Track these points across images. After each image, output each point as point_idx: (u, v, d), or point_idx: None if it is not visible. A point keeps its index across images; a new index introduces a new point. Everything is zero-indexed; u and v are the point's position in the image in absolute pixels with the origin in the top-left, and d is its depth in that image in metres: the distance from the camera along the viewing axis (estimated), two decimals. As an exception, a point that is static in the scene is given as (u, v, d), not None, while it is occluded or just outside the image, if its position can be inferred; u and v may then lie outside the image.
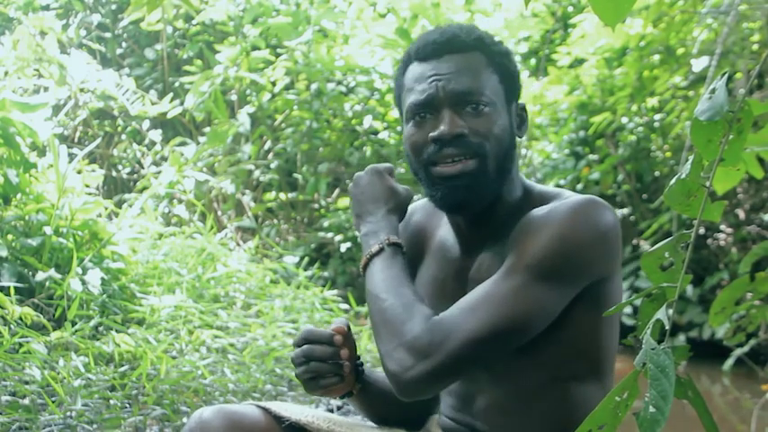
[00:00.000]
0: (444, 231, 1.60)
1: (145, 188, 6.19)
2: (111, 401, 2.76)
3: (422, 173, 1.49)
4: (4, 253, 3.33)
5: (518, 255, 1.39)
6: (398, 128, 7.23)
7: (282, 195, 7.11)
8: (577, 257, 1.38)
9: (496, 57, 1.50)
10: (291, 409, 1.49)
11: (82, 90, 6.56)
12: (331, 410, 3.33)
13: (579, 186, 6.32)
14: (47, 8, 7.94)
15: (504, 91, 1.50)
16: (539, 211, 1.44)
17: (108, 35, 8.19)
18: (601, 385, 1.50)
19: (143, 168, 7.29)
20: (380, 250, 1.47)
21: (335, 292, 5.09)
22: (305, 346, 1.46)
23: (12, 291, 3.15)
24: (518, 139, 1.54)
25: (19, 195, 3.74)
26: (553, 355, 1.44)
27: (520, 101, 1.55)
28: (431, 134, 1.45)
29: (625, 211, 6.35)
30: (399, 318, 1.39)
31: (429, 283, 1.59)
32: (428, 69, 1.48)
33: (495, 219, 1.51)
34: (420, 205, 1.68)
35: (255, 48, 6.96)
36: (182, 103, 6.85)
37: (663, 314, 0.99)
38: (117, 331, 3.29)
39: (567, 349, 1.45)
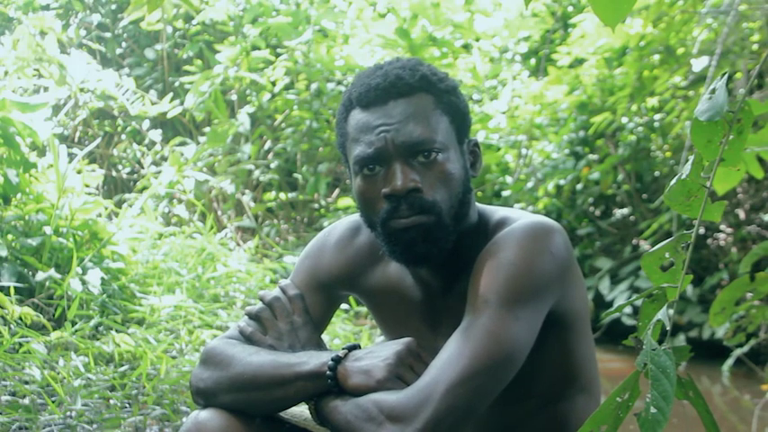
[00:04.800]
0: (396, 269, 1.53)
1: (145, 188, 6.19)
2: (111, 401, 2.76)
3: (379, 229, 1.41)
4: (4, 253, 3.33)
5: (478, 292, 1.35)
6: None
7: (282, 195, 7.11)
8: (534, 282, 1.35)
9: (444, 96, 1.42)
10: (289, 411, 1.48)
11: (82, 90, 6.56)
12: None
13: (579, 186, 6.32)
14: (47, 8, 7.94)
15: (455, 131, 1.43)
16: (490, 245, 1.40)
17: (108, 35, 8.19)
18: (588, 396, 1.49)
19: (143, 168, 7.29)
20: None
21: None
22: None
23: (12, 291, 3.15)
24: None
25: (19, 195, 3.74)
26: (536, 381, 1.43)
27: (471, 137, 1.49)
28: (383, 190, 1.38)
29: (625, 211, 6.35)
30: (368, 401, 1.31)
31: (397, 325, 1.54)
32: (374, 119, 1.39)
33: (456, 263, 1.46)
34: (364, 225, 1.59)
35: (255, 48, 6.96)
36: (182, 103, 6.85)
37: (663, 315, 0.99)
38: (117, 331, 3.29)
39: (549, 372, 1.44)
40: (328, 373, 1.35)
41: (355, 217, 1.60)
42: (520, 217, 1.44)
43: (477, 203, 1.51)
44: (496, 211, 1.49)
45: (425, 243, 1.38)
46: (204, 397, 1.47)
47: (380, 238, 1.42)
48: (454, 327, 1.38)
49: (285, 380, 1.38)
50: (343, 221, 1.62)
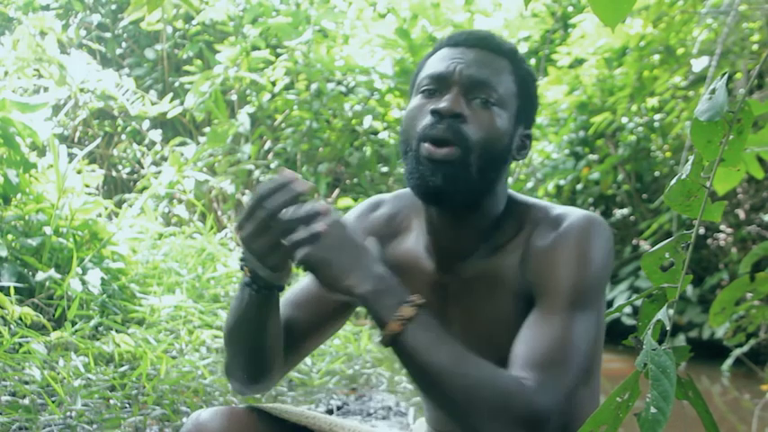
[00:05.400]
0: (412, 243, 1.54)
1: (145, 188, 6.19)
2: (111, 401, 2.76)
3: (412, 146, 1.43)
4: (4, 253, 3.33)
5: (555, 291, 1.38)
6: (398, 128, 7.23)
7: (282, 195, 7.10)
8: (602, 277, 1.41)
9: (522, 72, 1.49)
10: (290, 411, 1.48)
11: (82, 90, 6.56)
12: (330, 411, 3.33)
13: (579, 186, 6.32)
14: (47, 8, 7.94)
15: (517, 106, 1.47)
16: (557, 238, 1.43)
17: (108, 35, 8.19)
18: (587, 388, 1.50)
19: (143, 168, 7.29)
20: (416, 313, 1.27)
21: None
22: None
23: (12, 291, 3.15)
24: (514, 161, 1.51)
25: (19, 195, 3.74)
26: None
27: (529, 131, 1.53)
28: (432, 106, 1.42)
29: (625, 211, 6.35)
30: (498, 395, 1.26)
31: None
32: (454, 53, 1.47)
33: (476, 230, 1.48)
34: (387, 199, 1.62)
35: (255, 48, 6.96)
36: (182, 103, 6.85)
37: (663, 315, 0.99)
38: (117, 331, 3.29)
39: None
40: (246, 278, 1.36)
41: (378, 195, 1.64)
42: (567, 210, 1.47)
43: (511, 192, 1.54)
44: (527, 199, 1.53)
45: (446, 179, 1.40)
46: (229, 375, 1.49)
47: (408, 159, 1.45)
48: (465, 305, 1.42)
49: (238, 305, 1.40)
50: (366, 200, 1.66)
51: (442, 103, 1.41)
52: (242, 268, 1.35)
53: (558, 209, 1.48)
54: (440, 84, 1.44)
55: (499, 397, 1.25)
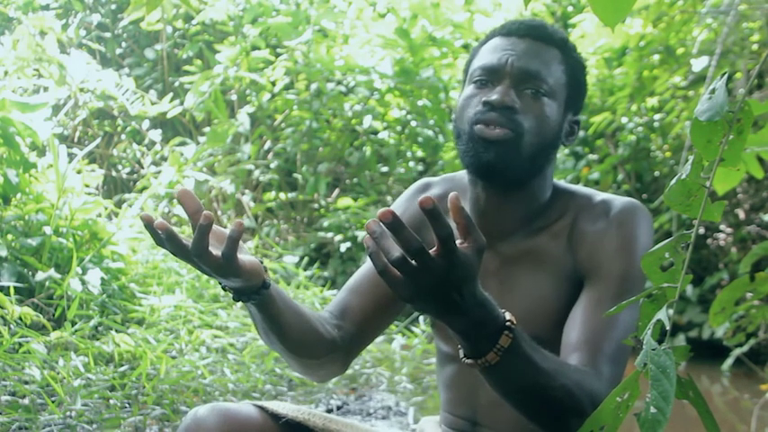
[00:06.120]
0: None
1: (145, 188, 6.19)
2: (111, 401, 2.76)
3: (465, 129, 1.49)
4: (4, 253, 3.33)
5: (607, 279, 1.44)
6: (398, 127, 7.23)
7: (282, 195, 7.11)
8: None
9: (572, 62, 1.54)
10: (288, 408, 1.48)
11: (82, 90, 6.56)
12: (330, 411, 3.33)
13: (579, 186, 6.32)
14: (47, 8, 7.94)
15: (566, 95, 1.53)
16: (599, 226, 1.49)
17: (108, 35, 8.19)
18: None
19: (143, 168, 7.29)
20: (512, 339, 1.19)
21: (335, 291, 5.08)
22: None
23: (12, 291, 3.15)
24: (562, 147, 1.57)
25: (19, 195, 3.74)
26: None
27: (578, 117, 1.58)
28: (484, 97, 1.47)
29: (625, 211, 6.34)
30: (587, 397, 1.27)
31: None
32: (506, 43, 1.52)
33: (521, 212, 1.53)
34: (435, 181, 1.68)
35: (255, 48, 6.96)
36: (182, 103, 6.85)
37: (663, 315, 0.99)
38: (117, 331, 3.29)
39: None
40: (233, 296, 1.34)
41: (427, 178, 1.71)
42: (611, 197, 1.54)
43: (555, 181, 1.60)
44: (570, 186, 1.60)
45: (498, 156, 1.45)
46: (297, 372, 1.57)
47: (460, 140, 1.50)
48: (503, 282, 1.48)
49: (251, 318, 1.43)
50: (416, 182, 1.72)
51: (494, 96, 1.46)
52: (224, 289, 1.33)
53: (600, 195, 1.55)
54: (492, 75, 1.50)
55: (587, 399, 1.27)
